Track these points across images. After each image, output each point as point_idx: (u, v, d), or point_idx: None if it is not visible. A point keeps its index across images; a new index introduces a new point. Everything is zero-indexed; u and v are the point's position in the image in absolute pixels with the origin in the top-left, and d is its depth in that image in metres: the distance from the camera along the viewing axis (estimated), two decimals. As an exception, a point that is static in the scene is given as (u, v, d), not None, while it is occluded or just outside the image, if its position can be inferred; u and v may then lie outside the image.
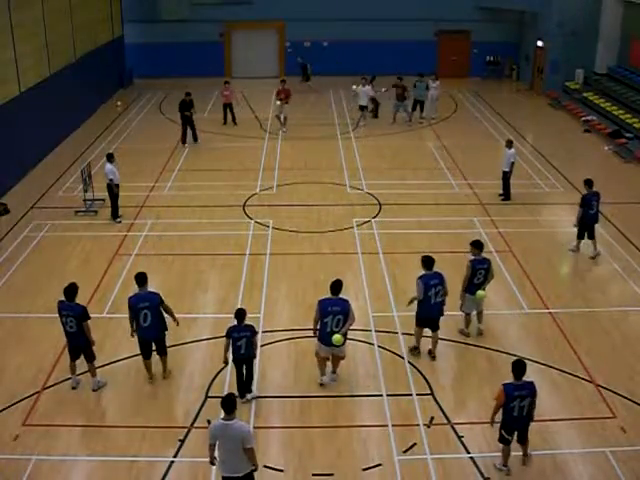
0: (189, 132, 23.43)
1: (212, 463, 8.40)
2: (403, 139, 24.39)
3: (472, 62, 34.63)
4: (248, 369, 10.60)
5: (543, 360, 11.64)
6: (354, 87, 26.42)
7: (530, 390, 9.00)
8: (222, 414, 8.12)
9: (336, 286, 10.69)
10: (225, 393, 10.66)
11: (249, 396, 10.60)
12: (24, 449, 9.67)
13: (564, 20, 29.48)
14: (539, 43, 31.46)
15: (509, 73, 34.67)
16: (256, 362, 10.92)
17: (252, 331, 10.43)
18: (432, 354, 11.68)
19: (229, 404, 8.07)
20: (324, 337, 10.58)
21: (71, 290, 10.72)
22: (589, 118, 26.27)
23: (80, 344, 10.74)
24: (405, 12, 32.54)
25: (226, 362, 10.57)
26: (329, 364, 11.06)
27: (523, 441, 9.33)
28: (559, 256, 15.69)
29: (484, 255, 12.19)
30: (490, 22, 33.56)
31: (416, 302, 11.44)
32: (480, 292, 11.84)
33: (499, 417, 9.14)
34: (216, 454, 8.25)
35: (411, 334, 12.00)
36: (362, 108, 26.00)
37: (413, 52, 32.87)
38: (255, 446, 8.27)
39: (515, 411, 8.97)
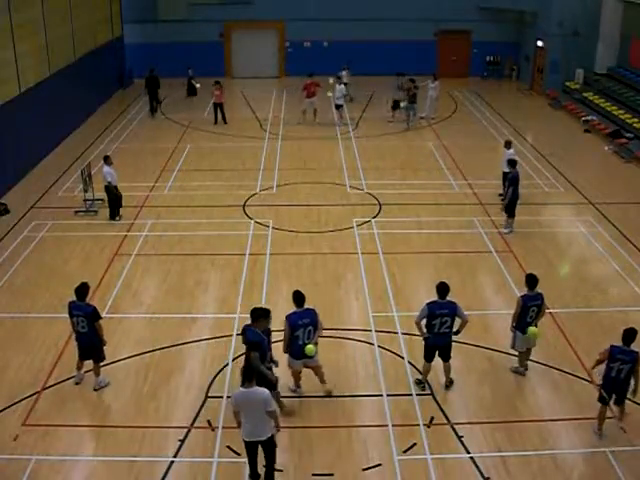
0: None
1: (239, 426, 8.75)
2: (403, 139, 24.39)
3: (472, 62, 34.64)
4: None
5: (543, 360, 11.63)
6: (330, 94, 26.58)
7: (632, 358, 9.55)
8: (241, 384, 8.53)
9: (300, 298, 10.33)
10: (227, 393, 10.78)
11: None
12: (24, 449, 9.66)
13: (564, 20, 29.49)
14: (539, 43, 31.47)
15: (509, 73, 34.67)
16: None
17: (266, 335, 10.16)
18: (446, 383, 10.98)
19: (248, 373, 8.51)
20: (297, 351, 10.25)
21: (82, 290, 10.68)
22: (589, 118, 26.27)
23: (91, 345, 10.72)
24: (405, 12, 32.55)
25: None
26: (312, 375, 10.76)
27: (619, 403, 9.94)
28: (559, 256, 15.71)
29: (538, 290, 11.14)
30: (490, 22, 33.56)
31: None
32: (532, 329, 10.86)
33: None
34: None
35: (411, 334, 12.00)
36: (338, 107, 25.98)
37: (413, 52, 32.90)
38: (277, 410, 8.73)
39: (613, 372, 9.64)
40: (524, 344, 11.19)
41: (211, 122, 25.92)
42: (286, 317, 10.33)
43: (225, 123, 25.85)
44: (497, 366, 11.55)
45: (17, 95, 20.01)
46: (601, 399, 9.91)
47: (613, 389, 9.82)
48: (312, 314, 10.33)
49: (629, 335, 9.74)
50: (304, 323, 10.18)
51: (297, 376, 10.77)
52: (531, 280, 11.10)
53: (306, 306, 10.40)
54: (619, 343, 9.73)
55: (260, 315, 9.93)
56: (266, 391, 8.55)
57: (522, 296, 11.07)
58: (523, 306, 10.92)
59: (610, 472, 9.29)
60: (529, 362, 11.44)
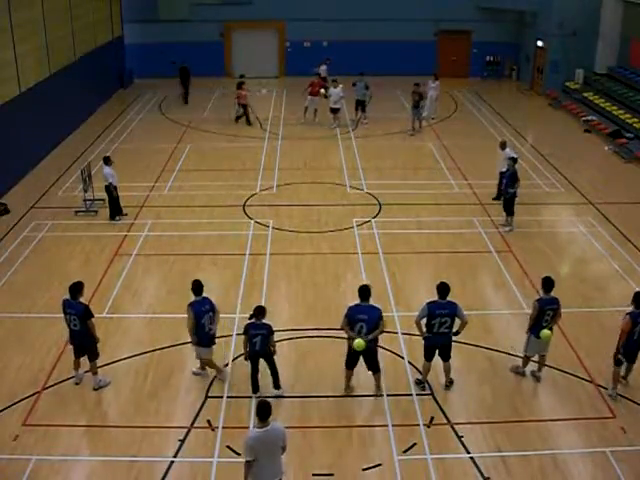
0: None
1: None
2: (403, 139, 24.38)
3: (472, 62, 34.65)
4: (270, 365, 10.64)
5: (543, 360, 11.64)
6: (322, 91, 26.18)
7: None
8: (256, 422, 7.87)
9: (199, 287, 10.72)
10: (226, 394, 10.79)
11: (278, 392, 10.70)
12: (24, 449, 9.66)
13: (564, 20, 29.49)
14: (539, 43, 31.47)
15: (509, 73, 34.68)
16: (275, 358, 10.76)
17: (268, 329, 10.41)
18: (446, 383, 10.98)
19: (264, 411, 7.64)
20: (203, 339, 10.74)
21: (75, 288, 10.69)
22: (589, 118, 26.27)
23: (84, 342, 10.73)
24: (405, 12, 32.55)
25: (247, 358, 10.60)
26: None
27: (633, 360, 10.73)
28: (559, 256, 15.71)
29: (553, 295, 10.92)
30: (490, 22, 33.57)
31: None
32: (545, 332, 10.72)
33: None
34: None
35: (411, 334, 12.00)
36: (333, 110, 25.56)
37: (413, 52, 32.91)
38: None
39: (636, 335, 10.38)
40: (536, 349, 11.04)
41: (212, 122, 25.88)
42: (189, 306, 10.67)
43: (249, 124, 25.71)
44: (497, 366, 11.54)
45: (17, 95, 20.01)
46: (617, 362, 10.64)
47: (633, 350, 10.57)
48: (210, 301, 10.77)
49: (639, 298, 10.46)
50: (206, 309, 10.65)
51: (212, 364, 11.09)
52: (548, 283, 10.97)
53: (204, 294, 10.79)
54: (630, 308, 10.49)
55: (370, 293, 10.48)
56: (281, 426, 7.93)
57: (538, 300, 10.92)
58: (540, 309, 10.77)
59: (610, 472, 9.29)
60: (529, 362, 11.43)
